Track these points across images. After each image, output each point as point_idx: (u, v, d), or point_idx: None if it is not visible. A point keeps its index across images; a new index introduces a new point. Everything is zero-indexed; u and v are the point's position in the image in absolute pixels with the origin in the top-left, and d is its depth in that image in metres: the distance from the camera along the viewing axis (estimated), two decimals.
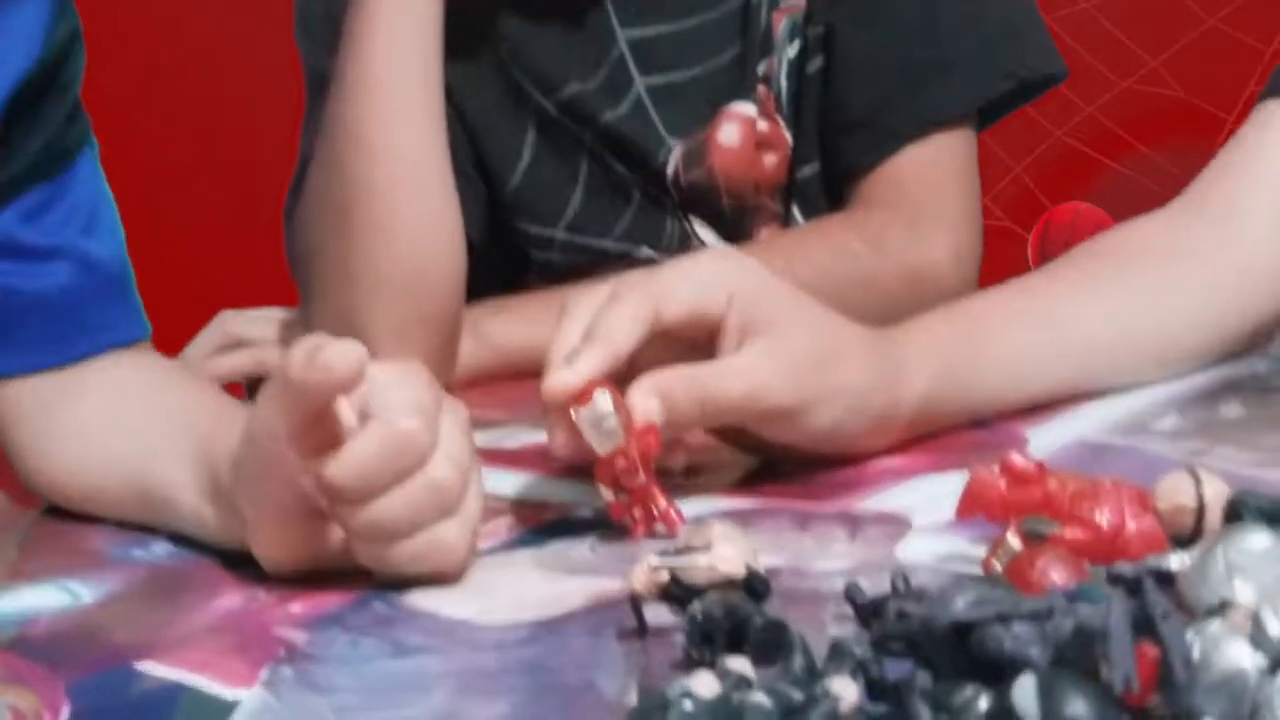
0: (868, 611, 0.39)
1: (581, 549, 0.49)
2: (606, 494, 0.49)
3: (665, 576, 0.41)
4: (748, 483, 0.56)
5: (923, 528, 0.49)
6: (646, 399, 0.50)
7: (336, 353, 0.43)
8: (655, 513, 0.49)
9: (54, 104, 0.59)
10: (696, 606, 0.38)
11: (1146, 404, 0.63)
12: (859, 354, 0.56)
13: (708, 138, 0.94)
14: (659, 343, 0.55)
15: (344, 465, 0.44)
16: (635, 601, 0.41)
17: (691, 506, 0.53)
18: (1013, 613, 0.32)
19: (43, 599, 0.48)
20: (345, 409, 0.45)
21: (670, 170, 0.93)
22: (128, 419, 0.57)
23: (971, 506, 0.45)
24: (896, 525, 0.50)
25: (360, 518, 0.44)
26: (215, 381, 0.82)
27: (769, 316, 0.54)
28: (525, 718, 0.36)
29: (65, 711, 0.38)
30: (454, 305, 0.78)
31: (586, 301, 0.54)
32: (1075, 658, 0.31)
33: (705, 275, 0.56)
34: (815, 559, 0.47)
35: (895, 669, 0.34)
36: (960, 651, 0.33)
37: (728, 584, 0.40)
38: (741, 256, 0.62)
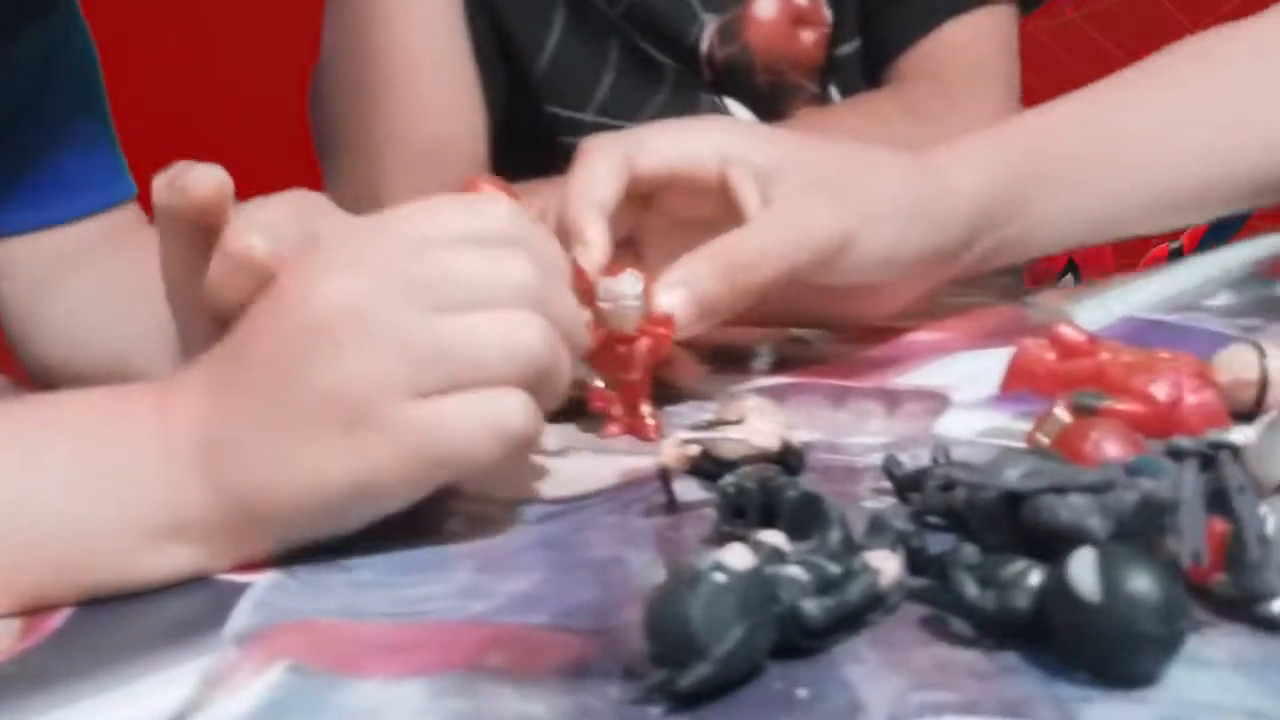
0: (907, 484, 0.37)
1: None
2: (595, 378, 0.46)
3: (696, 450, 0.39)
4: (780, 363, 0.54)
5: (963, 403, 0.47)
6: (669, 292, 0.46)
7: (194, 175, 0.40)
8: (637, 415, 0.45)
9: None
10: (729, 479, 0.36)
11: (1198, 281, 0.61)
12: (898, 168, 0.50)
13: (743, 11, 0.91)
14: (663, 223, 0.51)
15: (206, 291, 0.40)
16: (665, 476, 0.39)
17: (722, 386, 0.51)
18: (1070, 483, 0.29)
19: None
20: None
21: (704, 47, 0.90)
22: (115, 305, 0.56)
23: (1018, 379, 0.43)
24: (936, 401, 0.48)
25: None
26: None
27: (782, 158, 0.49)
28: (548, 593, 0.34)
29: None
30: None
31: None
32: (1138, 531, 0.29)
33: (683, 131, 0.51)
34: (851, 434, 0.45)
35: (937, 543, 0.32)
36: (1007, 525, 0.31)
37: (761, 458, 0.39)
38: (727, 118, 0.58)
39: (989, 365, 0.48)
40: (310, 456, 0.35)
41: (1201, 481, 0.28)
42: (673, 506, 0.39)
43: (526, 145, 0.92)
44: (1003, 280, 0.67)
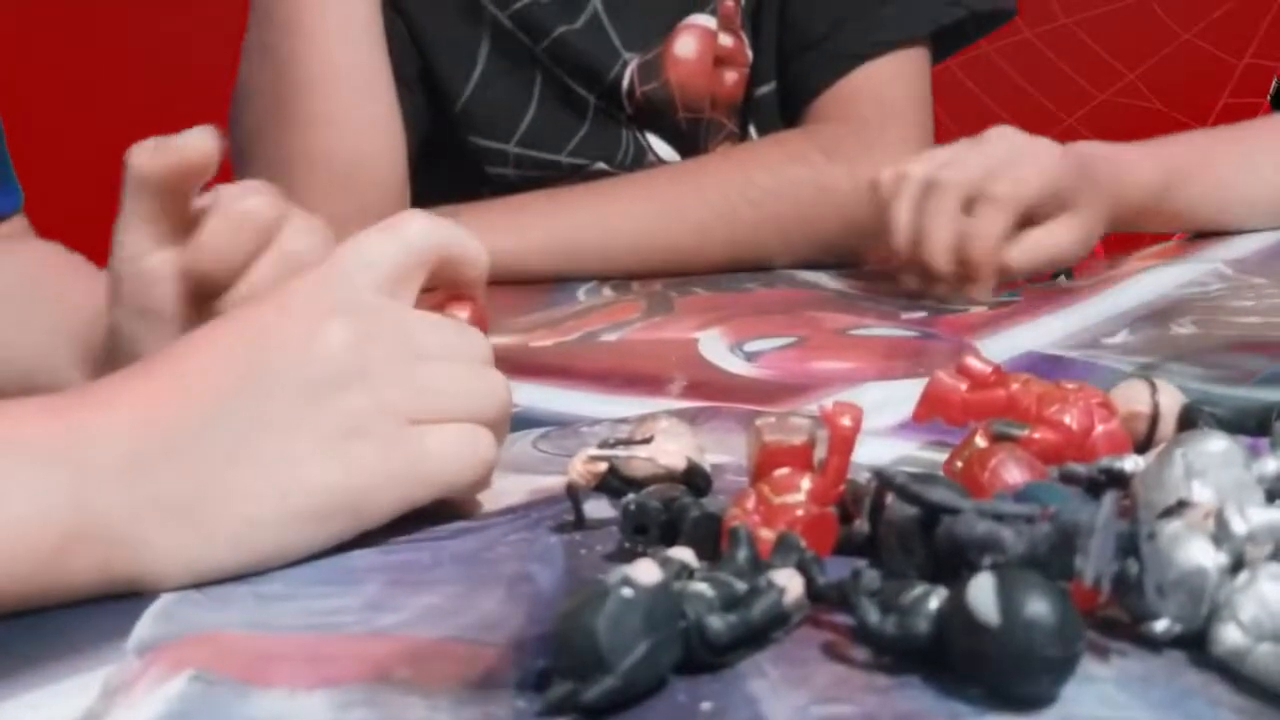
0: None
1: (523, 445, 0.48)
2: None
3: (603, 467, 0.39)
4: (693, 388, 0.55)
5: (872, 431, 0.48)
6: None
7: (188, 136, 0.43)
8: None
9: None
10: (631, 497, 0.37)
11: (1098, 319, 0.63)
12: None
13: (665, 50, 0.92)
14: None
15: (199, 250, 0.44)
16: (573, 492, 0.39)
17: (636, 407, 0.52)
18: (991, 510, 0.30)
19: None
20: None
21: (625, 84, 0.91)
22: (11, 314, 0.55)
23: (931, 409, 0.44)
24: None
25: (231, 301, 0.44)
26: None
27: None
28: (458, 607, 0.34)
29: None
30: (395, 200, 0.77)
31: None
32: (1049, 556, 0.29)
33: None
34: None
35: (842, 566, 0.33)
36: (920, 544, 0.32)
37: (667, 477, 0.39)
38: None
39: (896, 395, 0.49)
40: (302, 460, 0.36)
41: (1115, 509, 0.29)
42: (581, 523, 0.39)
43: (450, 172, 0.92)
44: (915, 313, 0.69)
